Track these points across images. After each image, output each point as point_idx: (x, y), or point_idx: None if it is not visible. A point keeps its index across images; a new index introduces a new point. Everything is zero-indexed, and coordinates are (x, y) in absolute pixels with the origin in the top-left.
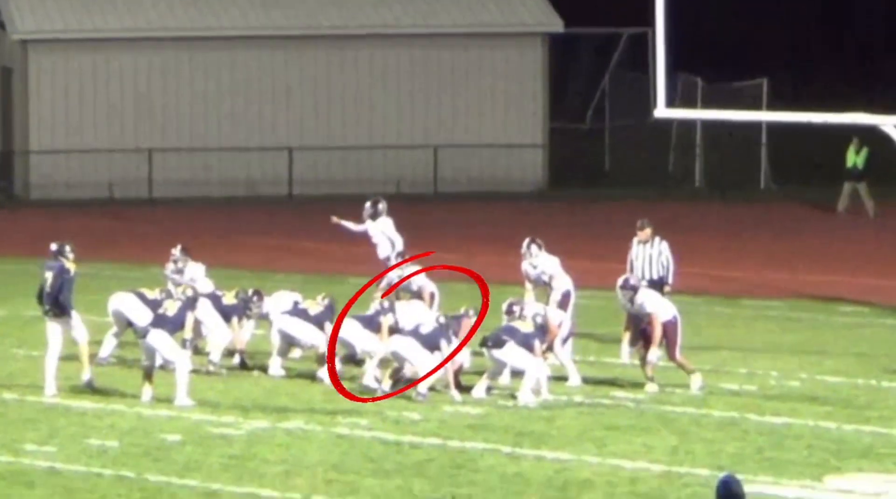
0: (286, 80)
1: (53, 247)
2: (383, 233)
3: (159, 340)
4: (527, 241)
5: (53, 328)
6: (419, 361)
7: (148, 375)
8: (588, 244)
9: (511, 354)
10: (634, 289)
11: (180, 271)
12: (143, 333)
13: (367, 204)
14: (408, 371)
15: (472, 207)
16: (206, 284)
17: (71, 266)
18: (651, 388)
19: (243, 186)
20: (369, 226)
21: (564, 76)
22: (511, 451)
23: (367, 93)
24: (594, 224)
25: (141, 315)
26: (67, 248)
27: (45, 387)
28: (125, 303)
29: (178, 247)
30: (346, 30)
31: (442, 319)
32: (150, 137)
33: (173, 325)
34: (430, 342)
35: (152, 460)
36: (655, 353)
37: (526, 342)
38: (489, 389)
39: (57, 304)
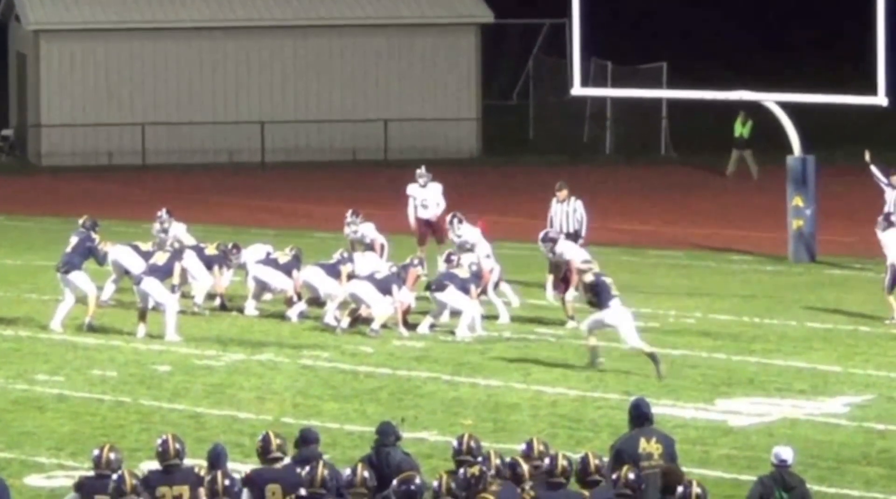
0: (260, 64)
1: (85, 221)
2: (433, 197)
3: (152, 285)
4: (450, 215)
5: (66, 282)
6: (374, 302)
7: (142, 315)
8: (515, 203)
9: (451, 296)
10: (553, 240)
11: (165, 231)
12: (137, 280)
13: (423, 170)
14: (364, 311)
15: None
16: (188, 240)
17: (96, 237)
18: (571, 324)
19: (223, 154)
20: (417, 192)
21: (495, 60)
22: (450, 379)
23: (328, 74)
24: (520, 186)
25: (136, 264)
26: (96, 224)
27: (52, 322)
28: (122, 254)
29: (164, 210)
30: (310, 20)
31: (394, 268)
32: (143, 112)
33: (163, 273)
34: (384, 287)
35: (146, 387)
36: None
37: (463, 287)
38: (432, 326)
39: (72, 263)
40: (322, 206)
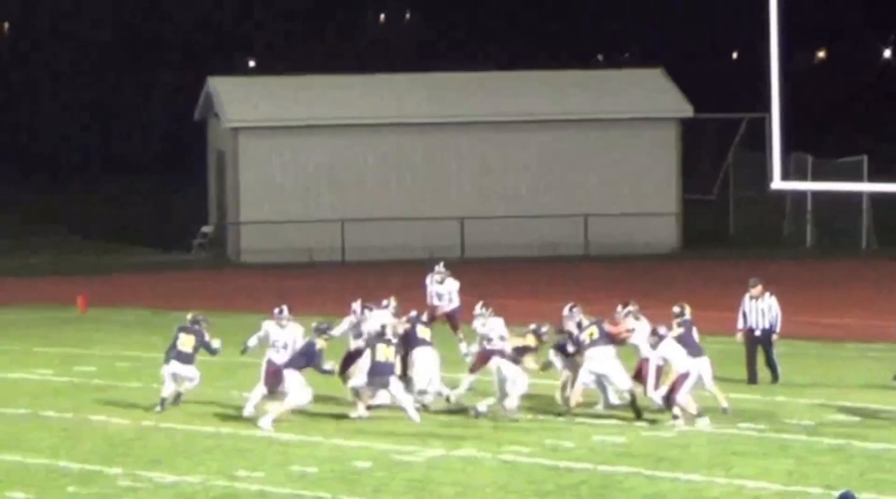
0: (459, 160)
1: (195, 317)
2: (447, 292)
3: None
4: (479, 304)
5: (167, 371)
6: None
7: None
8: (715, 297)
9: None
10: None
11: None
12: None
13: (441, 267)
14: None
15: (618, 266)
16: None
17: (206, 332)
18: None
19: (421, 250)
20: (434, 287)
21: (694, 154)
22: (651, 474)
23: (528, 170)
24: (720, 280)
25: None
26: (204, 319)
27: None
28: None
29: (358, 300)
30: (508, 116)
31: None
32: (342, 208)
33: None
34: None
35: (346, 483)
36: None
37: None
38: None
39: (181, 357)
40: (516, 299)
